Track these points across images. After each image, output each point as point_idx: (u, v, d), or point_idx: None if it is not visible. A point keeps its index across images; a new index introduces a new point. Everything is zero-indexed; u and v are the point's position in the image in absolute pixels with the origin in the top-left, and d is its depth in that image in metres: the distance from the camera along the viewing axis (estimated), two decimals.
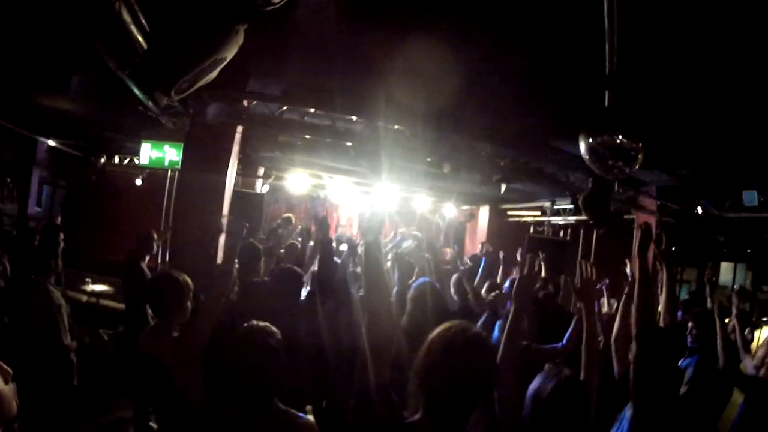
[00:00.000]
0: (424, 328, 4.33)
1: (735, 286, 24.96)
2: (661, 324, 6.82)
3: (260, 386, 4.05)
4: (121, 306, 10.01)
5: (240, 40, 5.92)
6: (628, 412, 4.65)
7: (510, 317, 4.41)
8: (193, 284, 5.90)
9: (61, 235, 9.01)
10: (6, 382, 2.67)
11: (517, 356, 4.29)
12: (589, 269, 5.49)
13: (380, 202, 17.78)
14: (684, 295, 24.10)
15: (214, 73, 6.15)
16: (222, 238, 10.60)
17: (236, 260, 6.21)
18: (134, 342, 9.21)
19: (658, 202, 14.71)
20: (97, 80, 9.47)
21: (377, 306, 3.70)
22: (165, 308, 5.68)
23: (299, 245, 11.10)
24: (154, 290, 5.84)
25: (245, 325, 4.22)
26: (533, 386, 3.92)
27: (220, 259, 9.88)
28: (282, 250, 11.40)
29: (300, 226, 15.44)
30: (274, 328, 4.21)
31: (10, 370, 2.58)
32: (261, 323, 4.21)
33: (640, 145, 6.71)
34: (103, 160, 19.06)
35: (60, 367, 7.86)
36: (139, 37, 7.06)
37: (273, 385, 4.10)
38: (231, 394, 4.09)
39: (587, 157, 6.78)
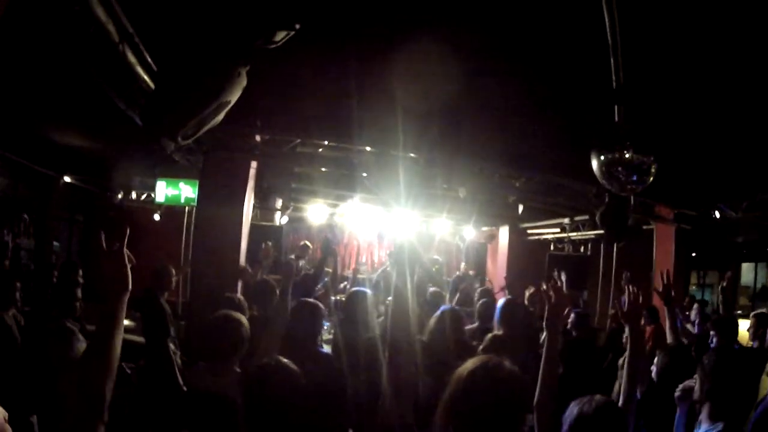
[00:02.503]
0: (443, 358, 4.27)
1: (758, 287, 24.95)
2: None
3: (278, 425, 3.97)
4: (142, 339, 10.00)
5: (243, 82, 5.90)
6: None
7: (545, 354, 4.34)
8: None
9: (80, 273, 9.01)
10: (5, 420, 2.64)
11: (554, 397, 4.23)
12: (636, 292, 5.43)
13: (409, 233, 17.71)
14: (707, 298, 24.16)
15: (220, 117, 6.13)
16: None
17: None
18: (157, 375, 9.26)
19: (675, 211, 14.62)
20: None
21: (401, 344, 3.61)
22: (230, 349, 5.75)
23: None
24: (219, 331, 5.84)
25: (263, 362, 4.18)
26: (572, 413, 3.84)
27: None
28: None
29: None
30: (290, 365, 4.15)
31: (6, 413, 2.55)
32: (278, 360, 4.15)
33: (652, 158, 6.67)
34: (120, 196, 19.13)
35: None
36: (146, 77, 7.09)
37: (293, 423, 4.01)
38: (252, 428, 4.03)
39: (599, 174, 6.74)
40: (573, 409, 3.78)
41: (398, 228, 17.52)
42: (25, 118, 11.36)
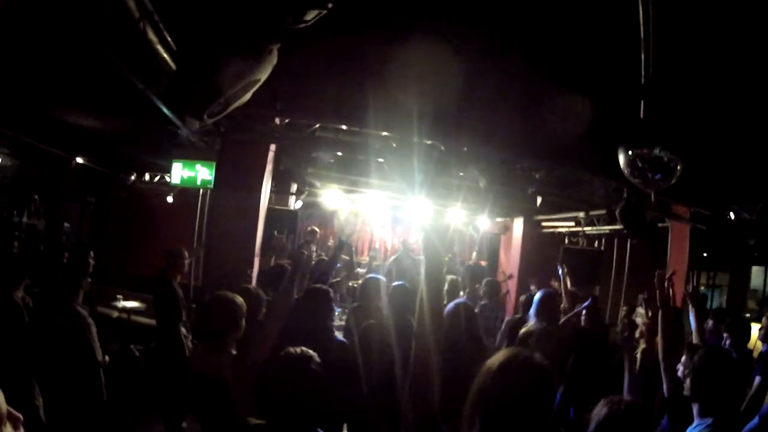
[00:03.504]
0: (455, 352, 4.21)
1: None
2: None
3: (300, 414, 3.90)
4: (153, 322, 9.96)
5: (274, 60, 5.82)
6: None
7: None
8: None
9: (91, 254, 8.96)
10: (16, 429, 2.52)
11: None
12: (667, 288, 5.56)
13: (437, 223, 17.76)
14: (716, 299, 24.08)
15: (248, 95, 6.05)
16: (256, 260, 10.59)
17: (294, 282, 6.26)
18: (167, 358, 9.21)
19: (691, 209, 14.50)
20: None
21: (430, 333, 3.55)
22: (223, 329, 5.76)
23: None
24: (212, 312, 5.87)
25: (283, 351, 4.10)
26: (600, 413, 3.87)
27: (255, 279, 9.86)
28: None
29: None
30: (312, 353, 4.08)
31: (21, 416, 2.44)
32: (299, 349, 4.09)
33: (679, 157, 6.60)
34: (133, 178, 19.07)
35: (90, 384, 7.82)
36: (166, 56, 6.98)
37: (314, 413, 3.96)
38: (272, 421, 3.97)
39: (627, 170, 6.68)
40: (602, 410, 3.79)
41: (422, 217, 17.49)
42: (37, 99, 11.29)
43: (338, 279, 10.31)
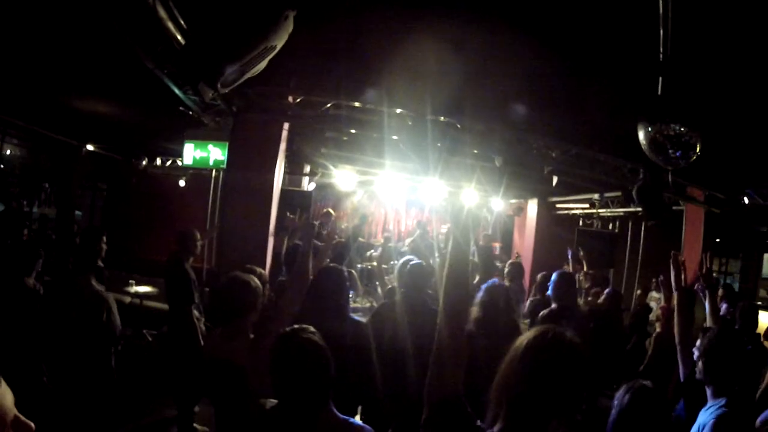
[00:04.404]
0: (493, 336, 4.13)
1: None
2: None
3: (307, 391, 3.87)
4: (165, 307, 9.91)
5: (290, 27, 5.72)
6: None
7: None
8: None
9: (104, 238, 8.91)
10: None
11: None
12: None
13: (467, 199, 17.73)
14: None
15: (263, 64, 5.95)
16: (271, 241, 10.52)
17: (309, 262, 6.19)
18: (179, 341, 9.14)
19: (706, 192, 14.40)
20: None
21: (457, 308, 3.44)
22: (239, 312, 5.66)
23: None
24: (227, 295, 5.78)
25: (285, 329, 4.05)
26: (622, 398, 4.12)
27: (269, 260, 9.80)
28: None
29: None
30: (312, 330, 4.05)
31: (33, 425, 2.36)
32: (299, 326, 4.05)
33: (698, 134, 6.54)
34: (144, 163, 19.08)
35: (101, 364, 7.81)
36: (177, 35, 6.88)
37: (321, 388, 3.92)
38: (281, 398, 3.96)
39: (647, 147, 6.60)
40: (624, 396, 4.05)
41: (447, 209, 17.45)
42: (46, 86, 11.24)
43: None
